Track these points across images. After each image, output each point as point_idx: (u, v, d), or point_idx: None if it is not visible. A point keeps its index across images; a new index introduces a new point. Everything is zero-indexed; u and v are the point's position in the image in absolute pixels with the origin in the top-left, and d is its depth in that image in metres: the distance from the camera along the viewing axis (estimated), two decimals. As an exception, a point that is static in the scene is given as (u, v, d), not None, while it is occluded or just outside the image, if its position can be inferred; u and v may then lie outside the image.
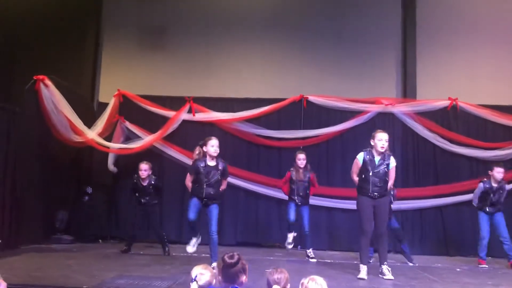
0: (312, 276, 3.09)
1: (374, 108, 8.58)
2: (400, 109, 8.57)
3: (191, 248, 5.89)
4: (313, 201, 8.22)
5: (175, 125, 8.56)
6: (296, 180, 7.05)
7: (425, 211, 8.43)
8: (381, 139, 5.55)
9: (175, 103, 8.85)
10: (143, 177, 7.04)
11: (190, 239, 5.96)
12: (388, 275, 5.45)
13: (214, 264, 5.28)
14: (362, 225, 5.58)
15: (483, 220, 7.06)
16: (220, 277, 3.23)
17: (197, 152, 5.93)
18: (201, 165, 5.73)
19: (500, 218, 7.03)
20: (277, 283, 3.07)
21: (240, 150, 8.82)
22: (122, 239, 8.01)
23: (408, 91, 9.12)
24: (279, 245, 8.21)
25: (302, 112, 8.84)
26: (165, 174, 8.53)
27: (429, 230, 8.42)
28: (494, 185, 7.00)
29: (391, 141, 8.55)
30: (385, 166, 5.58)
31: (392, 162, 5.65)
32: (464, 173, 8.48)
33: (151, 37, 9.79)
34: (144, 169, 7.05)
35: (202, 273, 3.13)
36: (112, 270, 5.32)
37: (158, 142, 8.49)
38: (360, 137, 8.64)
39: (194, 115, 8.65)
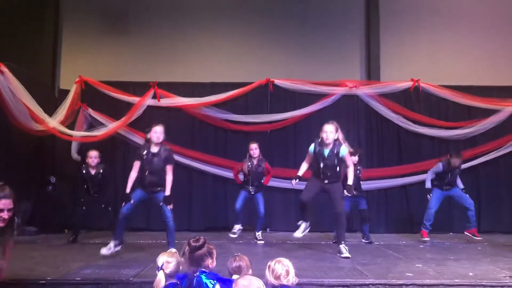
0: (278, 258, 3.14)
1: (339, 91, 8.68)
2: (364, 91, 8.70)
3: (105, 250, 5.48)
4: (280, 183, 8.34)
5: (139, 111, 8.41)
6: (251, 170, 7.11)
7: (390, 190, 8.64)
8: (325, 131, 5.75)
9: (139, 88, 8.68)
10: (92, 165, 6.85)
11: (112, 240, 5.63)
12: (345, 254, 5.64)
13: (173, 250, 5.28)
14: (302, 193, 5.91)
15: (436, 194, 7.32)
16: (186, 261, 3.24)
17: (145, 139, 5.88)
18: (144, 152, 5.65)
19: (458, 190, 7.33)
20: (237, 272, 3.11)
21: (207, 135, 8.79)
22: (89, 229, 7.87)
23: (372, 73, 9.25)
24: (249, 228, 8.28)
25: (268, 96, 8.85)
26: (130, 162, 8.32)
27: (394, 209, 8.65)
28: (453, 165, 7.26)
29: (355, 123, 8.83)
30: (335, 156, 5.74)
31: (343, 150, 5.76)
32: (427, 152, 8.72)
33: (114, 22, 9.53)
34: (94, 156, 6.87)
35: (169, 261, 3.13)
36: (78, 260, 5.24)
37: (123, 129, 8.34)
38: (326, 120, 8.65)
39: (159, 100, 8.52)
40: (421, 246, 6.88)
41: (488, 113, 8.64)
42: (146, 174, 5.60)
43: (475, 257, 5.79)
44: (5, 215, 3.27)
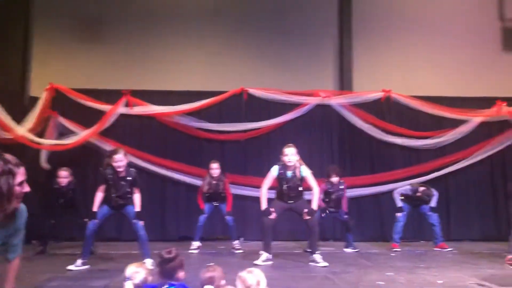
0: (249, 269, 3.13)
1: (312, 101, 8.77)
2: (337, 101, 8.81)
3: (73, 267, 5.34)
4: (254, 192, 8.30)
5: (111, 120, 8.32)
6: (212, 190, 7.15)
7: (362, 199, 8.74)
8: (287, 154, 5.94)
9: (112, 96, 8.58)
10: (62, 184, 6.77)
11: (80, 258, 5.47)
12: (322, 262, 5.73)
13: (148, 261, 5.23)
14: (265, 217, 5.94)
15: (405, 209, 7.54)
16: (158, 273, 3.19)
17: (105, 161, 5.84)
18: (109, 174, 5.62)
19: (426, 207, 7.51)
20: (209, 283, 3.08)
21: (180, 144, 8.73)
22: (58, 239, 7.69)
23: (344, 84, 9.35)
24: (222, 238, 8.26)
25: (243, 105, 8.87)
26: (102, 170, 8.25)
27: (366, 217, 8.74)
28: (418, 194, 7.50)
29: (328, 132, 8.94)
30: (298, 178, 5.98)
31: (304, 171, 6.00)
32: (398, 162, 8.89)
33: (87, 28, 9.35)
34: (64, 176, 6.77)
35: (137, 271, 3.09)
36: (46, 272, 5.10)
37: (94, 138, 8.21)
38: (299, 129, 8.85)
39: (131, 108, 8.43)
40: (393, 254, 6.96)
41: (457, 123, 8.86)
42: (113, 197, 5.59)
43: (444, 264, 5.90)
44: (27, 187, 2.62)
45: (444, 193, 8.69)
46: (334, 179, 7.19)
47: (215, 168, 7.18)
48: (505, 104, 8.81)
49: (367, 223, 8.72)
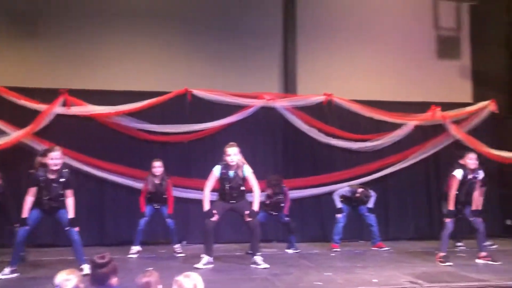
0: (186, 273, 3.08)
1: (257, 103, 8.80)
2: (281, 103, 8.90)
3: (1, 275, 5.13)
4: (197, 195, 8.20)
5: (47, 120, 7.93)
6: (155, 189, 7.05)
7: (304, 200, 8.85)
8: (229, 154, 5.95)
9: (48, 95, 8.17)
10: None
11: (9, 266, 5.25)
12: (263, 264, 5.76)
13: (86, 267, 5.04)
14: (207, 220, 5.94)
15: (345, 210, 7.77)
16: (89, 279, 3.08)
17: (36, 162, 5.55)
18: (41, 176, 5.36)
19: (363, 208, 7.78)
20: None
21: (121, 146, 8.46)
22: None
23: (289, 87, 9.47)
24: (164, 242, 8.11)
25: (187, 106, 8.74)
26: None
27: (308, 218, 8.87)
28: (357, 195, 7.74)
29: (272, 134, 9.01)
30: (240, 177, 6.01)
31: (246, 171, 6.03)
32: (339, 163, 9.10)
33: (21, 25, 8.85)
34: None
35: (68, 279, 2.94)
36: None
37: (28, 138, 7.80)
38: (244, 131, 8.84)
39: (69, 108, 8.09)
40: (333, 254, 7.13)
41: (394, 126, 9.21)
42: (45, 200, 5.34)
43: (381, 263, 6.11)
44: None
45: (383, 194, 8.98)
46: (270, 191, 7.24)
47: (157, 167, 7.05)
48: (439, 108, 9.23)
49: (309, 223, 8.86)
